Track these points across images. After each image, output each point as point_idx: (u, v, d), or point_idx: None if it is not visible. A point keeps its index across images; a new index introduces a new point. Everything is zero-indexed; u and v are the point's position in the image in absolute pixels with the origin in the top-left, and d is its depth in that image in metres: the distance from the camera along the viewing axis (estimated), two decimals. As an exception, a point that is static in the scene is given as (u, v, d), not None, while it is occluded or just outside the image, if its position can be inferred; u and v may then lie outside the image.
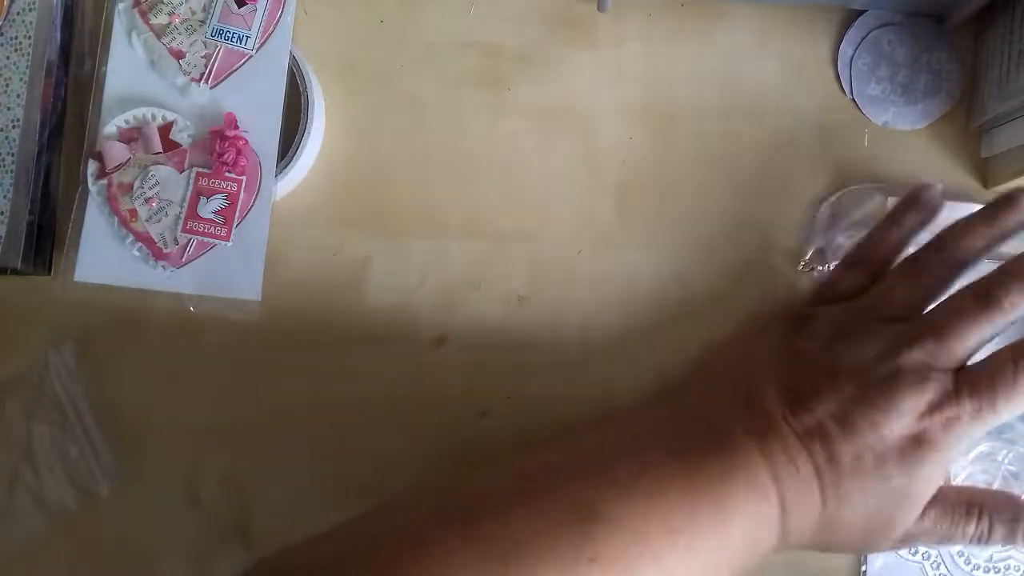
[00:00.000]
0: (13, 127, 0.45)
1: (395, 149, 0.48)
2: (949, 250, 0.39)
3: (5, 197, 0.44)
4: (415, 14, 0.48)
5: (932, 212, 0.41)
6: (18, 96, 0.45)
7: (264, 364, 0.46)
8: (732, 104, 0.48)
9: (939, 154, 0.47)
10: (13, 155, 0.44)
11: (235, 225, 0.44)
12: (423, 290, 0.47)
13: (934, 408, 0.36)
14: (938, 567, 0.45)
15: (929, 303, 0.39)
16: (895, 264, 0.41)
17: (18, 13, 0.45)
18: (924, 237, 0.41)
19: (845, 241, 0.46)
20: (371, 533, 0.36)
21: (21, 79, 0.45)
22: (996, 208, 0.39)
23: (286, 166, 0.45)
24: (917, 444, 0.36)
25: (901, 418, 0.36)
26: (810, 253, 0.47)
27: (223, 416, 0.46)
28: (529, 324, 0.47)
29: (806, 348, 0.39)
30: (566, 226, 0.47)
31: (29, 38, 0.45)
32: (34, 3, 0.45)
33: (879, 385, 0.37)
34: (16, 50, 0.45)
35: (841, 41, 0.48)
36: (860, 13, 0.48)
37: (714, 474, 0.37)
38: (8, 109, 0.45)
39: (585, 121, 0.48)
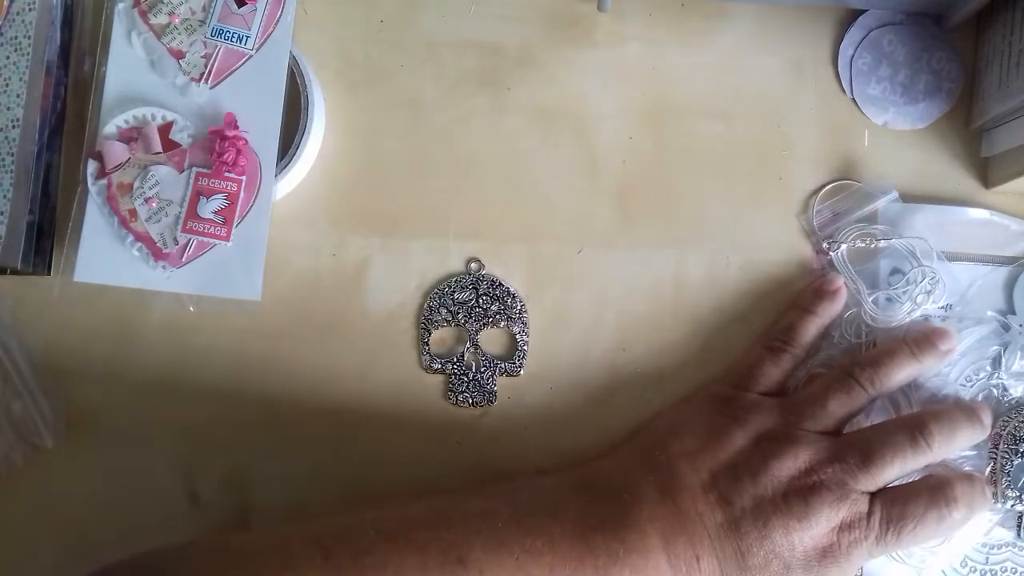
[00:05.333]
0: (13, 127, 0.45)
1: (395, 149, 0.48)
2: (880, 374, 0.42)
3: (5, 197, 0.44)
4: (415, 14, 0.48)
5: (841, 300, 0.45)
6: (18, 96, 0.45)
7: (263, 364, 0.47)
8: (732, 104, 0.48)
9: (939, 154, 0.47)
10: (13, 155, 0.44)
11: (235, 225, 0.44)
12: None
13: (845, 526, 0.39)
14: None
15: (853, 418, 0.42)
16: (824, 370, 0.44)
17: (18, 13, 0.45)
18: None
19: (844, 239, 0.46)
20: (231, 551, 0.37)
21: (21, 79, 0.45)
22: (922, 345, 0.43)
23: (286, 166, 0.45)
24: (823, 556, 0.39)
25: (813, 529, 0.39)
26: (811, 249, 0.47)
27: (222, 415, 0.46)
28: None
29: (733, 440, 0.41)
30: (566, 226, 0.47)
31: (29, 38, 0.45)
32: (34, 3, 0.45)
33: (800, 494, 0.39)
34: (16, 50, 0.45)
35: (841, 41, 0.48)
36: (860, 13, 0.48)
37: (600, 552, 0.37)
38: (8, 109, 0.45)
39: (585, 121, 0.48)
